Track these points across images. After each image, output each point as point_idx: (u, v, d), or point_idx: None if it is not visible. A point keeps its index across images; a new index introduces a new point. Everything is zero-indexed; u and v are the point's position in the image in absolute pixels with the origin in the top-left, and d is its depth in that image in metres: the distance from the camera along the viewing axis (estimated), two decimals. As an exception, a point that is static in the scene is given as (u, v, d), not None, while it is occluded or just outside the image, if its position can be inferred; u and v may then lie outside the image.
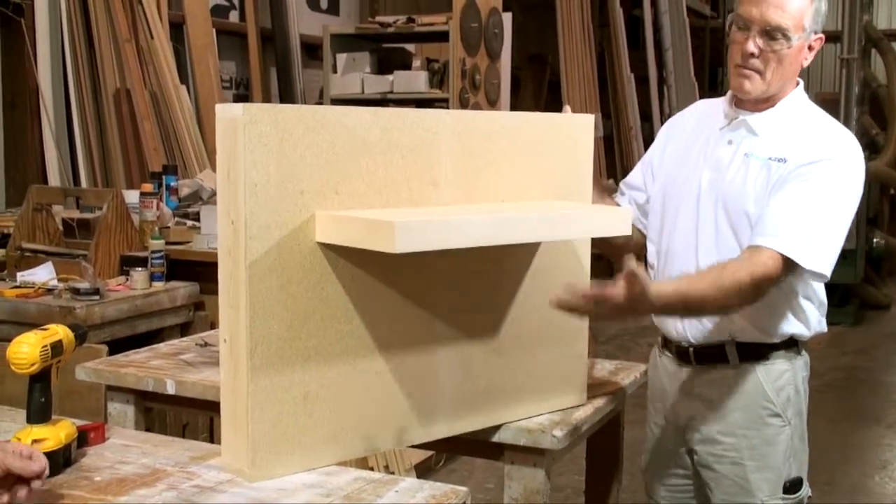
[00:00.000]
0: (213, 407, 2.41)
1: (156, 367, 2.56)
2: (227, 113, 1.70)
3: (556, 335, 2.21)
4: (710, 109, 2.35)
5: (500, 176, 2.05)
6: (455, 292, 2.01)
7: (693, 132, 2.34)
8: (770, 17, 2.10)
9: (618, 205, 2.42)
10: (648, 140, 11.09)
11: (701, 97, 12.10)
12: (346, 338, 1.85)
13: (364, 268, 1.84)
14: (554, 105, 10.05)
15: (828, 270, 2.10)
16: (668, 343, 2.38)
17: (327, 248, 1.78)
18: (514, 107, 8.40)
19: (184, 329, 4.25)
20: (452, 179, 1.96)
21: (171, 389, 2.45)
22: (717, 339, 2.26)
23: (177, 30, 6.27)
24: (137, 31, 5.69)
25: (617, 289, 1.87)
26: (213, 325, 4.28)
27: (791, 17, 2.10)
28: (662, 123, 8.84)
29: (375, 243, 1.67)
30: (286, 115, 1.72)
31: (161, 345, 2.91)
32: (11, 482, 1.55)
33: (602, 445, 2.63)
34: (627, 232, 2.03)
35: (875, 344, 7.58)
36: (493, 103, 7.05)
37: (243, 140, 1.67)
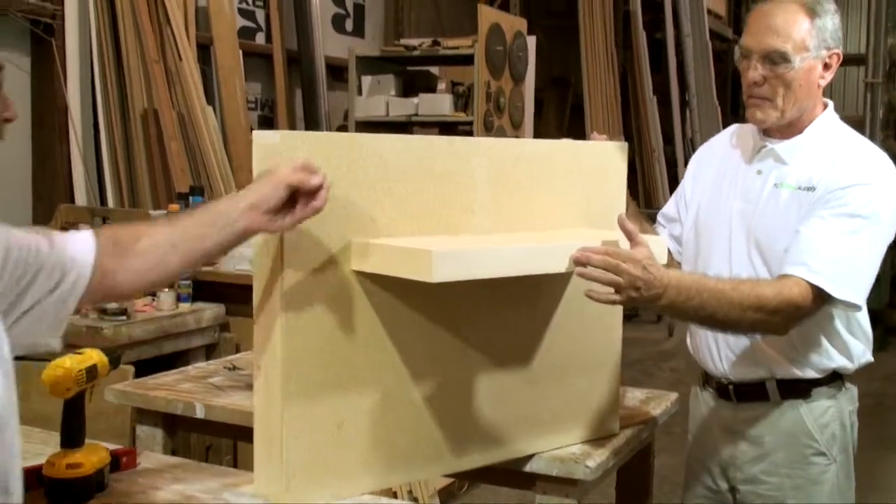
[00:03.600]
0: (241, 432, 2.41)
1: (185, 391, 2.56)
2: (264, 139, 1.71)
3: (589, 363, 2.19)
4: (740, 137, 2.32)
5: (534, 203, 2.04)
6: (488, 320, 2.00)
7: (723, 161, 2.31)
8: (766, 42, 2.08)
9: (656, 232, 2.39)
10: (670, 162, 11.11)
11: (723, 120, 12.09)
12: (379, 366, 1.84)
13: (399, 296, 1.83)
14: (576, 127, 10.06)
15: (860, 300, 2.04)
16: (709, 379, 2.33)
17: (362, 275, 1.78)
18: (537, 129, 8.41)
19: (209, 350, 4.25)
20: (487, 207, 1.95)
21: (200, 413, 2.45)
22: (757, 375, 2.21)
23: (204, 51, 6.31)
24: (166, 53, 5.72)
25: (630, 247, 1.84)
26: (239, 347, 4.28)
27: (789, 38, 2.07)
28: (685, 146, 8.75)
29: (412, 272, 1.67)
30: (323, 143, 1.72)
31: (189, 367, 2.91)
32: (294, 200, 1.61)
33: (632, 475, 2.60)
34: (662, 261, 2.00)
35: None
36: (517, 126, 7.05)
37: (280, 167, 1.67)
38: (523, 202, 2.02)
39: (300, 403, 1.74)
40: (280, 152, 1.67)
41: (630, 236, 1.87)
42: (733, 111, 15.41)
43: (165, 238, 1.59)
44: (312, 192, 1.61)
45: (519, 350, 2.07)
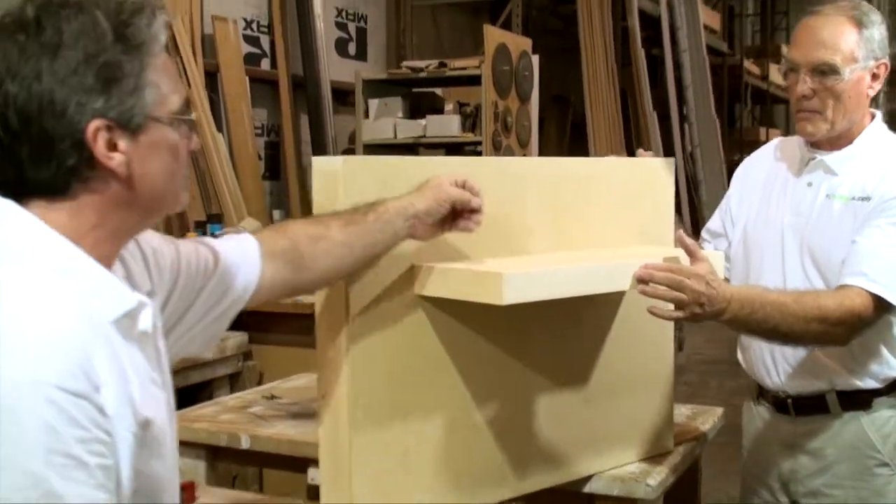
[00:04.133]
0: (287, 462, 2.39)
1: (227, 422, 2.53)
2: (326, 165, 1.70)
3: (643, 381, 2.18)
4: (785, 150, 2.31)
5: (587, 221, 2.03)
6: (545, 340, 1.99)
7: (770, 175, 2.30)
8: (814, 55, 2.07)
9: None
10: (672, 177, 11.11)
11: (721, 134, 12.09)
12: (443, 391, 1.82)
13: (460, 319, 1.82)
14: (577, 145, 10.07)
15: None
16: (764, 393, 2.32)
17: (425, 300, 1.76)
18: (540, 148, 8.41)
19: (233, 379, 4.23)
20: (542, 226, 1.94)
21: (245, 444, 2.42)
22: (817, 388, 2.19)
23: (210, 78, 6.30)
24: (175, 81, 5.71)
25: (690, 263, 1.84)
26: (262, 375, 4.25)
27: (837, 50, 2.06)
28: (685, 160, 8.72)
29: (481, 295, 1.65)
30: (385, 167, 1.71)
31: (227, 398, 2.88)
32: (454, 216, 1.71)
33: (681, 493, 2.57)
34: (721, 276, 1.98)
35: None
36: (524, 145, 7.05)
37: (343, 192, 1.66)
38: (576, 221, 2.01)
39: (367, 432, 1.72)
40: (342, 178, 1.65)
41: (690, 252, 1.86)
42: (730, 124, 15.48)
43: (343, 239, 1.61)
44: (468, 211, 1.69)
45: (575, 369, 2.06)
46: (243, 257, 1.53)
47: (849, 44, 2.07)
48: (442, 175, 1.69)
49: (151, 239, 1.41)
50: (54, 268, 1.15)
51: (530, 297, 1.67)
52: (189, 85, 5.72)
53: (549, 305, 1.84)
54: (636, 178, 2.15)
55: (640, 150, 2.30)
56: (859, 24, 2.08)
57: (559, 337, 2.00)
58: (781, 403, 2.26)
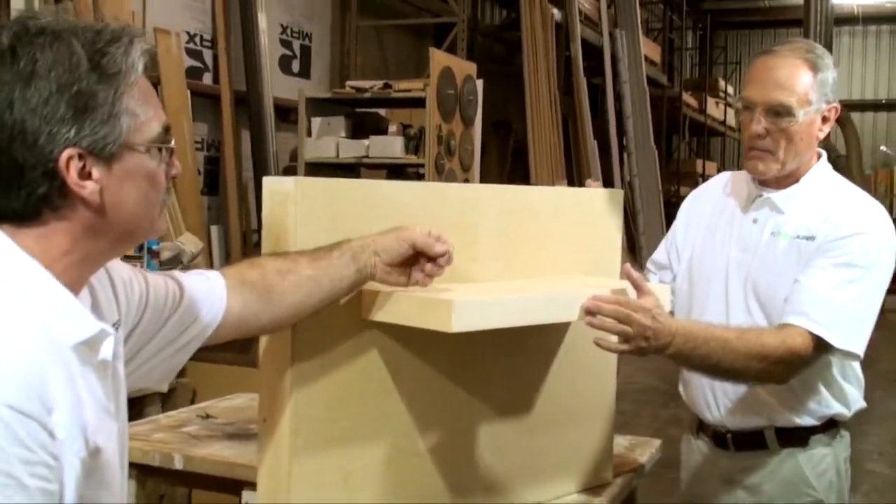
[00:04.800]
0: (222, 483, 2.34)
1: (160, 441, 2.48)
2: (277, 186, 1.67)
3: (585, 411, 2.18)
4: (733, 185, 2.33)
5: (535, 251, 2.03)
6: (492, 369, 1.97)
7: (716, 208, 2.32)
8: (771, 96, 2.09)
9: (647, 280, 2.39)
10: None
11: (659, 164, 12.27)
12: (386, 417, 1.80)
13: (407, 345, 1.80)
14: (518, 171, 10.14)
15: (860, 349, 2.06)
16: (703, 427, 2.32)
17: (372, 324, 1.74)
18: (481, 172, 8.45)
19: (165, 396, 4.14)
20: (490, 254, 1.94)
21: (178, 465, 2.37)
22: (756, 424, 2.21)
23: (151, 91, 6.22)
24: (114, 92, 5.63)
25: (637, 296, 1.84)
26: (196, 393, 4.18)
27: (793, 92, 2.09)
28: (623, 189, 8.83)
29: (430, 322, 1.63)
30: (338, 190, 1.69)
31: (161, 416, 2.82)
32: (415, 261, 1.66)
33: (618, 523, 2.58)
34: (667, 309, 1.99)
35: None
36: (466, 169, 7.07)
37: (294, 214, 1.64)
38: (524, 249, 2.01)
39: (307, 456, 1.69)
40: (295, 200, 1.63)
41: (637, 285, 1.86)
42: (668, 155, 15.73)
43: (311, 274, 1.59)
44: (432, 259, 1.65)
45: (519, 398, 2.05)
46: (209, 293, 1.52)
47: (804, 86, 2.09)
48: (416, 226, 1.67)
49: (122, 270, 1.41)
50: (22, 288, 1.14)
51: (479, 325, 1.66)
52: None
53: (496, 334, 1.83)
54: (585, 208, 2.15)
55: (589, 181, 2.31)
56: (814, 67, 2.11)
57: (505, 365, 1.99)
58: (721, 438, 2.27)
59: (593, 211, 2.16)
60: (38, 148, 1.13)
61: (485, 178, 8.94)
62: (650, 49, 13.71)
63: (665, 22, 16.42)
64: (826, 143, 7.42)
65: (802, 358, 2.01)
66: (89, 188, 1.17)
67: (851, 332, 2.04)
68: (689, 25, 18.83)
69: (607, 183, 11.31)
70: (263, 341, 1.72)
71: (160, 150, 1.25)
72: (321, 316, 1.66)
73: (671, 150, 16.79)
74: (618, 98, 11.84)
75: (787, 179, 2.18)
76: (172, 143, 1.28)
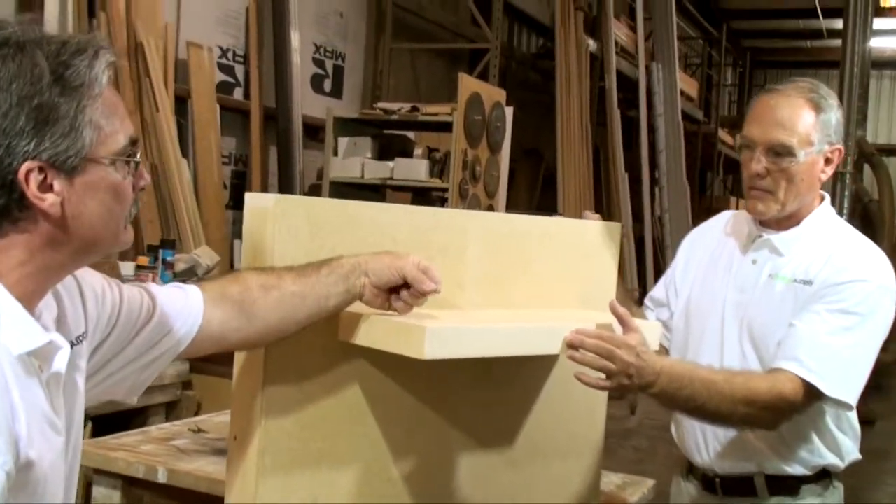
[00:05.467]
0: (206, 500, 2.32)
1: (147, 453, 2.46)
2: (258, 202, 1.65)
3: (571, 447, 2.14)
4: (735, 225, 2.28)
5: (526, 280, 2.00)
6: (471, 398, 1.94)
7: (717, 248, 2.28)
8: (772, 136, 2.05)
9: (644, 315, 2.35)
10: (639, 241, 11.18)
11: (692, 200, 12.19)
12: (359, 441, 1.77)
13: (383, 369, 1.77)
14: (547, 199, 10.10)
15: (853, 399, 2.01)
16: (693, 469, 2.27)
17: (347, 347, 1.71)
18: (509, 199, 8.43)
19: (169, 408, 4.14)
20: (478, 282, 1.91)
21: (162, 478, 2.35)
22: (746, 470, 2.15)
23: (181, 104, 6.27)
24: (143, 103, 5.68)
25: (622, 333, 1.81)
26: (201, 406, 4.18)
27: (794, 133, 2.04)
28: (653, 224, 8.80)
29: (403, 347, 1.60)
30: (318, 209, 1.67)
31: (152, 428, 2.81)
32: (399, 290, 1.64)
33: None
34: (655, 347, 1.96)
35: (860, 461, 7.45)
36: (491, 195, 7.05)
37: (272, 231, 1.62)
38: (515, 278, 1.98)
39: (275, 477, 1.67)
40: (275, 217, 1.61)
41: (623, 322, 1.83)
42: (701, 191, 15.62)
43: (295, 290, 1.58)
44: (418, 294, 1.64)
45: (501, 430, 2.01)
46: (184, 307, 1.51)
47: (806, 126, 2.05)
48: (410, 253, 1.66)
49: (94, 281, 1.40)
50: None
51: (453, 353, 1.63)
52: (157, 108, 5.68)
53: (476, 362, 1.80)
54: (581, 240, 2.12)
55: (587, 212, 2.28)
56: (817, 107, 2.07)
57: (486, 395, 1.96)
58: (709, 482, 2.22)
59: (589, 243, 2.13)
60: None
61: (513, 205, 8.92)
62: (687, 84, 13.66)
63: (704, 58, 16.35)
64: (859, 188, 7.34)
65: (792, 405, 1.95)
66: (49, 200, 1.16)
67: (844, 381, 1.99)
68: (728, 62, 18.76)
69: (637, 216, 11.25)
70: (238, 358, 1.70)
71: (126, 162, 1.24)
72: (295, 336, 1.65)
73: (705, 186, 16.67)
74: (652, 131, 11.79)
75: (788, 221, 2.14)
76: (139, 155, 1.27)
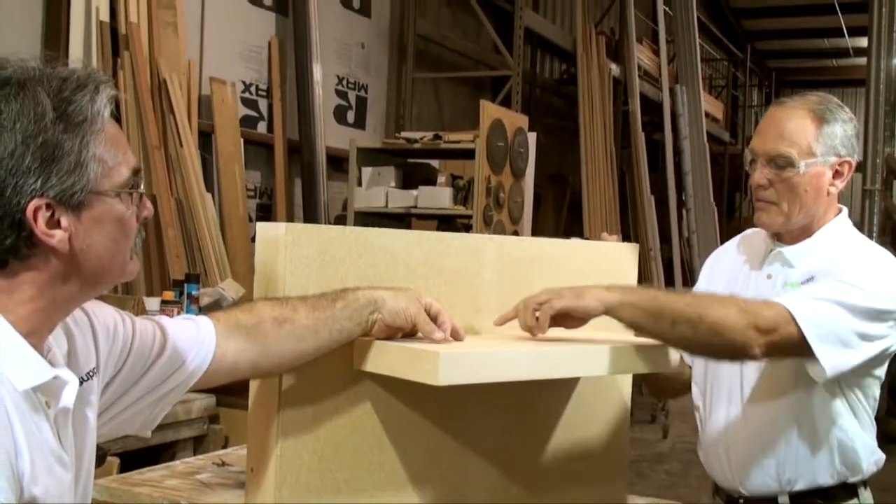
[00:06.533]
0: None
1: (171, 488, 2.45)
2: (269, 232, 1.65)
3: (595, 472, 2.11)
4: (750, 242, 2.28)
5: (543, 304, 1.97)
6: (490, 425, 1.92)
7: (735, 267, 2.27)
8: (771, 146, 2.06)
9: None
10: (667, 262, 11.11)
11: (719, 221, 12.13)
12: (377, 470, 1.75)
13: (400, 397, 1.76)
14: (574, 224, 10.08)
15: (832, 367, 1.90)
16: (718, 490, 2.24)
17: (363, 375, 1.70)
18: (535, 225, 8.41)
19: (197, 442, 4.14)
20: (493, 305, 1.89)
21: (185, 512, 2.34)
22: (770, 490, 2.11)
23: (205, 138, 6.31)
24: (167, 139, 5.72)
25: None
26: (228, 440, 4.17)
27: (794, 143, 2.04)
28: (681, 246, 8.74)
29: (418, 374, 1.59)
30: (329, 237, 1.67)
31: (177, 462, 2.80)
32: (408, 333, 1.66)
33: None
34: (670, 369, 1.93)
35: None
36: (515, 221, 7.03)
37: (284, 260, 1.61)
38: (531, 302, 1.95)
39: (294, 509, 1.65)
40: (285, 245, 1.61)
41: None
42: (729, 213, 15.53)
43: (309, 324, 1.58)
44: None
45: (521, 456, 1.98)
46: (196, 339, 1.51)
47: (807, 138, 2.05)
48: (422, 293, 1.67)
49: (106, 316, 1.41)
50: None
51: (469, 379, 1.61)
52: (181, 144, 5.72)
53: (495, 387, 1.78)
54: (598, 262, 2.10)
55: (605, 234, 2.27)
56: (821, 119, 2.06)
57: (506, 420, 1.94)
58: (734, 503, 2.18)
59: (606, 264, 2.11)
60: (5, 200, 1.14)
61: (539, 230, 8.89)
62: (712, 106, 13.63)
63: (729, 79, 16.32)
64: (888, 205, 7.19)
65: (773, 329, 1.86)
66: (57, 237, 1.17)
67: (831, 342, 1.90)
68: (754, 83, 18.70)
69: (665, 238, 11.20)
70: (252, 388, 1.69)
71: (130, 193, 1.25)
72: (310, 364, 1.64)
73: (733, 207, 16.58)
74: (677, 153, 11.75)
75: (800, 234, 2.13)
76: (142, 186, 1.28)
